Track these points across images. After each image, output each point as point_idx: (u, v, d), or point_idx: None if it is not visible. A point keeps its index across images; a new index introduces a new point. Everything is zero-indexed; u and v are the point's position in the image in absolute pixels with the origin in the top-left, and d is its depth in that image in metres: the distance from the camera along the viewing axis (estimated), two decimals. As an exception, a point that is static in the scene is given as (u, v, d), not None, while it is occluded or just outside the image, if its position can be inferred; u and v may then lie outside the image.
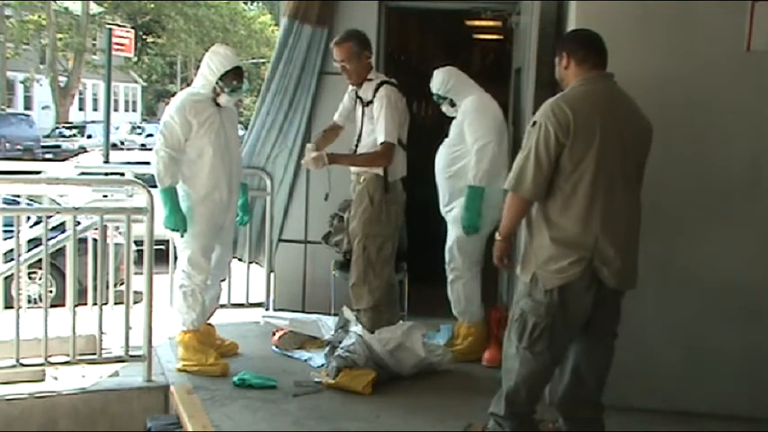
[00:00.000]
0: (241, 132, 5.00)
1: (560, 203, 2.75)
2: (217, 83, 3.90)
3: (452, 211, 4.13)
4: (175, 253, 4.30)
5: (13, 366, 3.57)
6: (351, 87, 3.98)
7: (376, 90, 3.79)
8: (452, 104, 4.14)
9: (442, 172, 4.16)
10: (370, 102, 3.82)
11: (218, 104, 3.96)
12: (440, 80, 4.11)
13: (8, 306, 4.38)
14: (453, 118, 4.16)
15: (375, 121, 3.80)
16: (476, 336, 4.20)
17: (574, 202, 2.73)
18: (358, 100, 3.88)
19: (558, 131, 2.71)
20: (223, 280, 4.36)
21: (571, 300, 2.79)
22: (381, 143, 3.75)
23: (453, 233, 4.13)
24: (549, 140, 2.71)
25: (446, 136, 4.16)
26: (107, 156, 9.98)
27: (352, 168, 3.97)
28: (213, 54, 3.90)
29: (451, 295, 4.19)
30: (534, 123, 2.77)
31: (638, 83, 2.98)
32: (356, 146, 3.93)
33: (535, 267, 2.81)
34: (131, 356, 3.78)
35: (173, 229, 3.94)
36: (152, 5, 28.54)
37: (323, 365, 3.97)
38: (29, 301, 5.03)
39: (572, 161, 2.73)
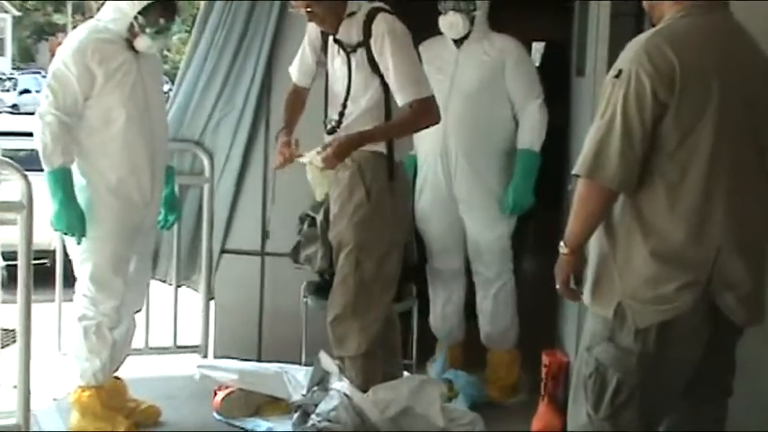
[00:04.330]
0: (166, 88, 5.22)
1: (663, 197, 2.75)
2: (135, 18, 3.96)
3: (481, 186, 4.53)
4: (68, 269, 4.36)
5: None
6: (314, 29, 4.04)
7: (367, 24, 3.83)
8: (471, 20, 4.46)
9: (464, 135, 4.46)
10: (361, 44, 3.84)
11: (134, 49, 4.03)
12: None
13: None
14: (459, 43, 4.48)
15: (387, 72, 3.80)
16: (518, 361, 4.68)
17: (683, 195, 2.74)
18: (336, 47, 3.91)
19: (658, 84, 2.71)
20: (138, 311, 4.42)
21: (676, 344, 2.78)
22: (415, 100, 3.78)
23: (491, 223, 4.54)
24: (644, 98, 2.71)
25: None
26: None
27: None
28: (133, -27, 3.99)
29: (491, 312, 4.62)
30: (618, 74, 2.76)
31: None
32: (340, 116, 3.93)
33: (621, 296, 2.78)
34: (-2, 428, 3.81)
35: (65, 232, 4.00)
36: None
37: (290, 442, 3.99)
38: None
39: (678, 131, 2.73)
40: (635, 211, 2.79)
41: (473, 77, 4.49)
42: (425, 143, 4.55)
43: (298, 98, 4.16)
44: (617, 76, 2.76)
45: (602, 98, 2.83)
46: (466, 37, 4.50)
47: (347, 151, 3.81)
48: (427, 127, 3.97)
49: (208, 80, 4.97)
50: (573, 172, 2.83)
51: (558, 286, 2.91)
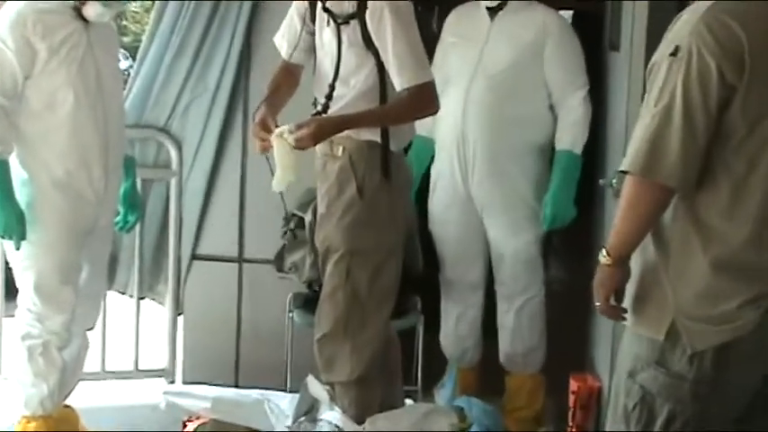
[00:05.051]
0: (125, 65, 5.28)
1: (726, 196, 2.74)
2: (84, -21, 3.99)
3: (510, 190, 4.54)
4: (9, 279, 4.43)
5: None
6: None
7: None
8: None
9: (486, 123, 4.43)
10: (354, 16, 3.84)
11: (83, 18, 4.02)
12: None
13: None
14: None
15: (385, 51, 3.78)
16: (542, 387, 4.72)
17: (750, 194, 2.73)
18: (326, 16, 3.91)
19: (724, 63, 2.68)
20: (91, 328, 4.42)
21: (736, 367, 2.76)
22: (414, 86, 3.80)
23: (516, 227, 4.55)
24: (709, 80, 2.69)
25: None
26: None
27: None
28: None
29: (513, 329, 4.66)
30: (675, 51, 2.73)
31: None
32: (328, 99, 3.93)
33: (675, 313, 2.76)
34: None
35: (1, 235, 4.02)
36: None
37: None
38: None
39: (746, 119, 2.70)
40: (691, 213, 2.79)
41: (504, 56, 4.46)
42: (443, 127, 4.55)
43: (287, 76, 4.11)
44: (674, 54, 2.73)
45: (654, 80, 2.82)
46: (501, 7, 4.48)
47: (326, 134, 3.80)
48: (424, 116, 4.03)
49: (175, 55, 4.94)
50: (621, 168, 2.80)
51: (597, 303, 2.90)
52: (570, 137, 4.48)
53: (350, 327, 3.93)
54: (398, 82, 3.79)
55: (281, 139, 3.76)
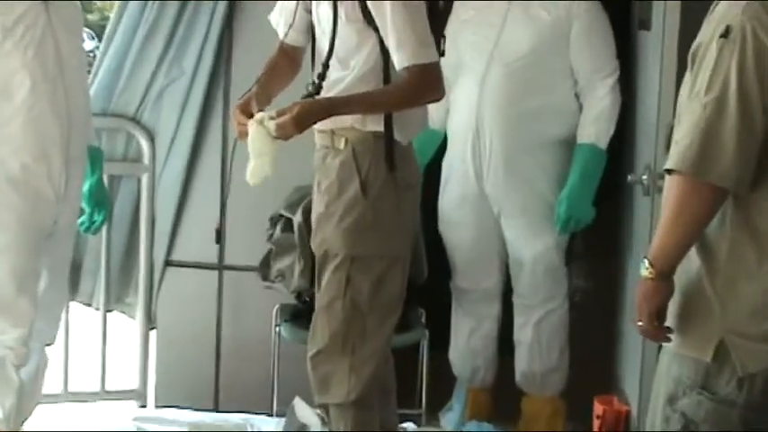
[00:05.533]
0: (90, 46, 5.34)
1: None
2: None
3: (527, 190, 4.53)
4: None
5: None
6: None
7: None
8: None
9: (503, 114, 4.42)
10: None
11: None
12: None
13: None
14: None
15: (385, 26, 3.76)
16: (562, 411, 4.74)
17: None
18: None
19: None
20: (49, 344, 4.37)
21: None
22: (415, 65, 3.76)
23: (536, 230, 4.53)
24: (767, 64, 2.69)
25: None
26: None
27: (319, 124, 3.93)
28: None
29: (531, 345, 4.64)
30: (727, 32, 2.72)
31: None
32: (320, 78, 3.91)
33: (723, 331, 2.75)
34: None
35: None
36: None
37: None
38: None
39: None
40: (743, 218, 2.78)
41: (524, 40, 4.44)
42: (455, 118, 4.57)
43: (284, 58, 4.08)
44: (724, 35, 2.72)
45: (701, 65, 2.80)
46: None
47: (311, 119, 3.75)
48: (426, 102, 3.98)
49: (147, 35, 4.90)
50: (667, 167, 2.79)
51: (639, 323, 2.87)
52: (594, 129, 4.46)
53: (349, 342, 3.88)
54: (397, 60, 3.77)
55: (261, 126, 3.72)
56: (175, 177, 5.00)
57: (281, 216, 4.62)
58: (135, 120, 4.98)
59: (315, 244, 3.99)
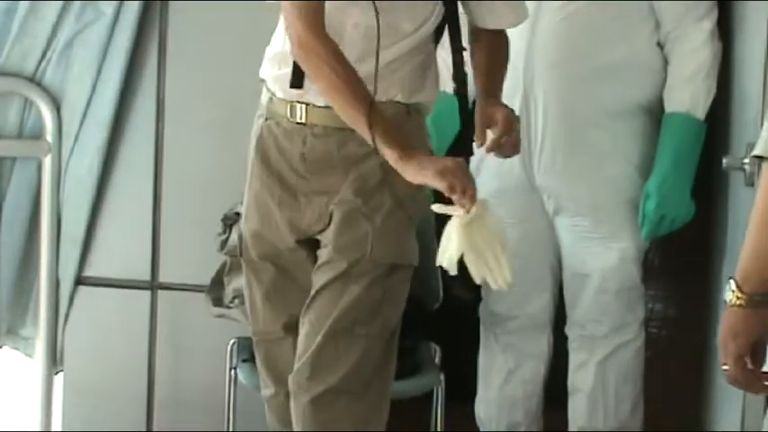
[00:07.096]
0: None
1: None
2: None
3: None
4: None
5: None
6: None
7: None
8: None
9: (561, 75, 4.02)
10: None
11: None
12: None
13: None
14: None
15: None
16: None
17: None
18: None
19: None
20: None
21: None
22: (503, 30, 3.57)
23: (606, 242, 4.10)
24: None
25: None
26: None
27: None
28: None
29: (593, 391, 4.20)
30: None
31: None
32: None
33: None
34: None
35: None
36: None
37: None
38: None
39: None
40: None
41: None
42: None
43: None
44: None
45: None
46: None
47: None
48: None
49: None
50: (755, 152, 2.49)
51: (724, 366, 2.43)
52: (690, 93, 3.90)
53: (354, 381, 3.50)
54: (491, 21, 3.51)
55: (457, 220, 3.29)
56: (90, 161, 4.46)
57: (238, 214, 3.91)
58: (33, 80, 4.48)
59: (337, 245, 3.49)
